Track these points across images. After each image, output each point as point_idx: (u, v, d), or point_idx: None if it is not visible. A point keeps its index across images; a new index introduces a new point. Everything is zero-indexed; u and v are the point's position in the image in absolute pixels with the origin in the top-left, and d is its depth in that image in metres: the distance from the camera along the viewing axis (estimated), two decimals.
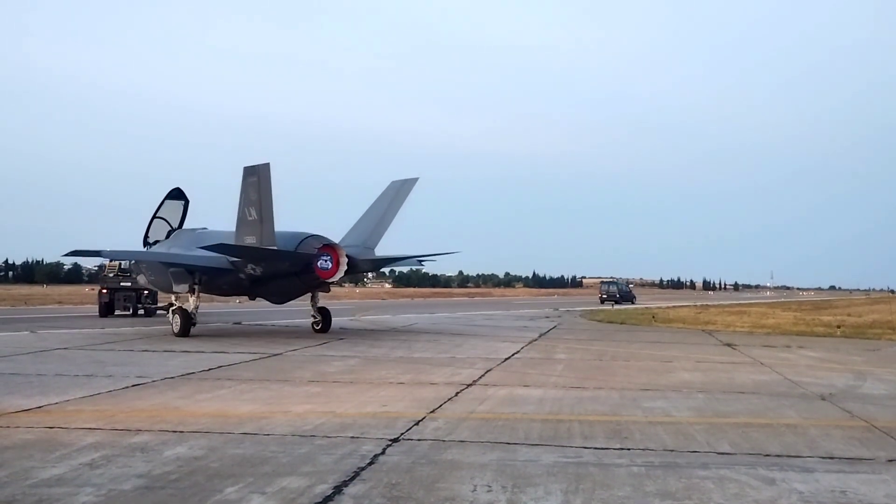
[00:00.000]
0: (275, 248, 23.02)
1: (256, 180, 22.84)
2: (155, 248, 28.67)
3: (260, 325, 29.75)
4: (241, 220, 23.46)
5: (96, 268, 63.23)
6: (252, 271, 24.00)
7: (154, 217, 29.29)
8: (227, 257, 23.92)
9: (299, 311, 43.87)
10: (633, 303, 73.39)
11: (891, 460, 7.79)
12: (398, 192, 28.03)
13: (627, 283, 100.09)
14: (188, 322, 23.57)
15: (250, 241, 23.11)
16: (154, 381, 12.71)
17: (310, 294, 26.24)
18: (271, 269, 23.88)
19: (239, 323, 30.53)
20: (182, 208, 29.60)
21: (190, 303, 24.66)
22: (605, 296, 77.86)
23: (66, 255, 26.51)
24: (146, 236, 29.58)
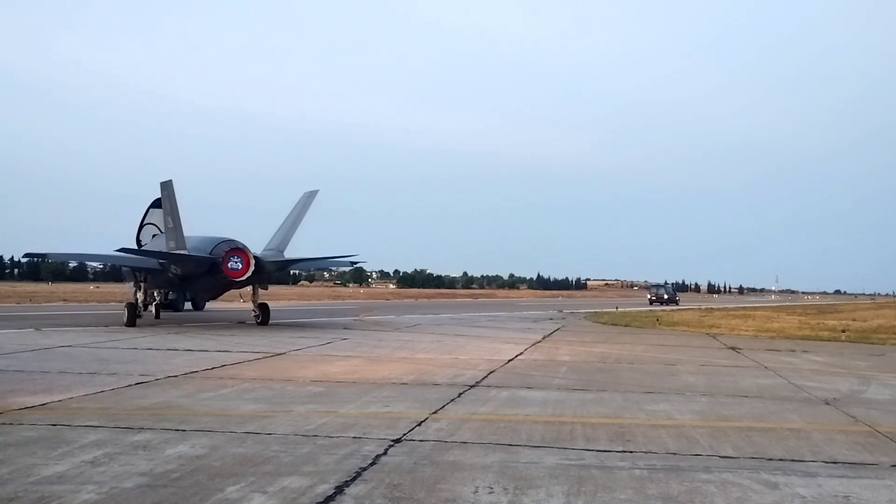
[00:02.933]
0: (182, 252, 26.81)
1: (167, 194, 27.48)
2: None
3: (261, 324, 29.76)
4: (165, 226, 28.06)
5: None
6: (175, 271, 27.47)
7: (143, 223, 32.79)
8: (157, 259, 27.78)
9: (301, 311, 43.98)
10: (677, 304, 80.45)
11: (894, 465, 7.76)
12: (306, 202, 32.07)
13: (674, 287, 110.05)
14: (134, 314, 26.92)
15: (171, 245, 27.07)
16: (157, 380, 12.73)
17: (251, 291, 30.22)
18: (186, 270, 27.30)
19: (243, 322, 30.56)
20: None
21: (137, 297, 28.45)
22: (654, 297, 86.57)
23: (23, 256, 30.71)
24: (138, 239, 33.02)
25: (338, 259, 33.34)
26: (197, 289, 29.90)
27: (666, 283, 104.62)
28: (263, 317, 29.01)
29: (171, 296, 35.86)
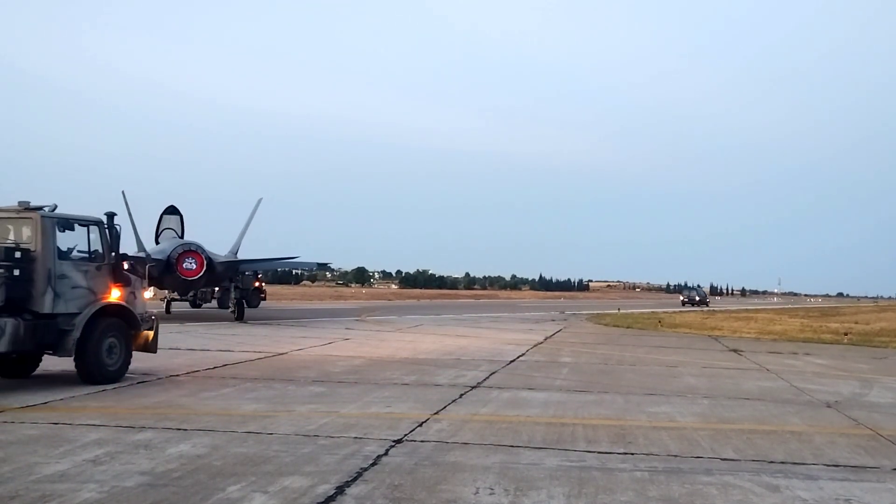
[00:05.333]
0: (140, 254, 28.97)
1: (125, 202, 31.18)
2: None
3: (265, 323, 29.83)
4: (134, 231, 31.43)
5: None
6: None
7: (160, 229, 35.22)
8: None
9: (304, 310, 44.00)
10: (707, 305, 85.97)
11: None
12: (255, 209, 35.84)
13: (705, 289, 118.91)
14: None
15: (136, 249, 30.51)
16: (159, 379, 12.75)
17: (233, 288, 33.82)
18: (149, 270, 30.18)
19: (244, 321, 30.62)
20: (180, 221, 35.74)
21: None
22: (686, 299, 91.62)
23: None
24: (157, 242, 35.14)
25: (282, 260, 37.18)
26: (167, 285, 32.38)
27: (698, 286, 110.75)
28: (238, 313, 31.68)
29: (216, 294, 40.36)
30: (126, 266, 12.98)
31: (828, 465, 7.79)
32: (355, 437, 8.38)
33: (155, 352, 13.80)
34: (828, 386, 14.45)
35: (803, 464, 7.83)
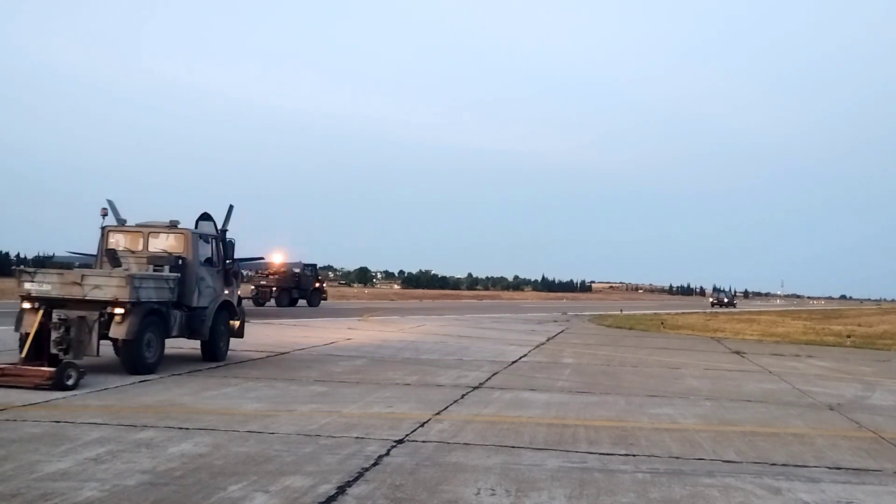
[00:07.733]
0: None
1: (114, 210, 32.51)
2: None
3: (267, 322, 29.84)
4: None
5: None
6: None
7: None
8: None
9: (305, 309, 44.06)
10: (734, 307, 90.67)
11: None
12: (229, 214, 37.45)
13: (733, 291, 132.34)
14: None
15: None
16: (161, 377, 12.75)
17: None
18: None
19: (247, 321, 30.66)
20: (214, 228, 36.91)
21: None
22: (715, 301, 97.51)
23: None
24: None
25: (248, 260, 39.65)
26: None
27: (728, 288, 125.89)
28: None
29: (274, 293, 43.05)
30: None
31: (830, 468, 7.79)
32: (357, 437, 8.38)
33: (242, 337, 16.87)
34: (830, 388, 14.44)
35: (805, 466, 7.83)
